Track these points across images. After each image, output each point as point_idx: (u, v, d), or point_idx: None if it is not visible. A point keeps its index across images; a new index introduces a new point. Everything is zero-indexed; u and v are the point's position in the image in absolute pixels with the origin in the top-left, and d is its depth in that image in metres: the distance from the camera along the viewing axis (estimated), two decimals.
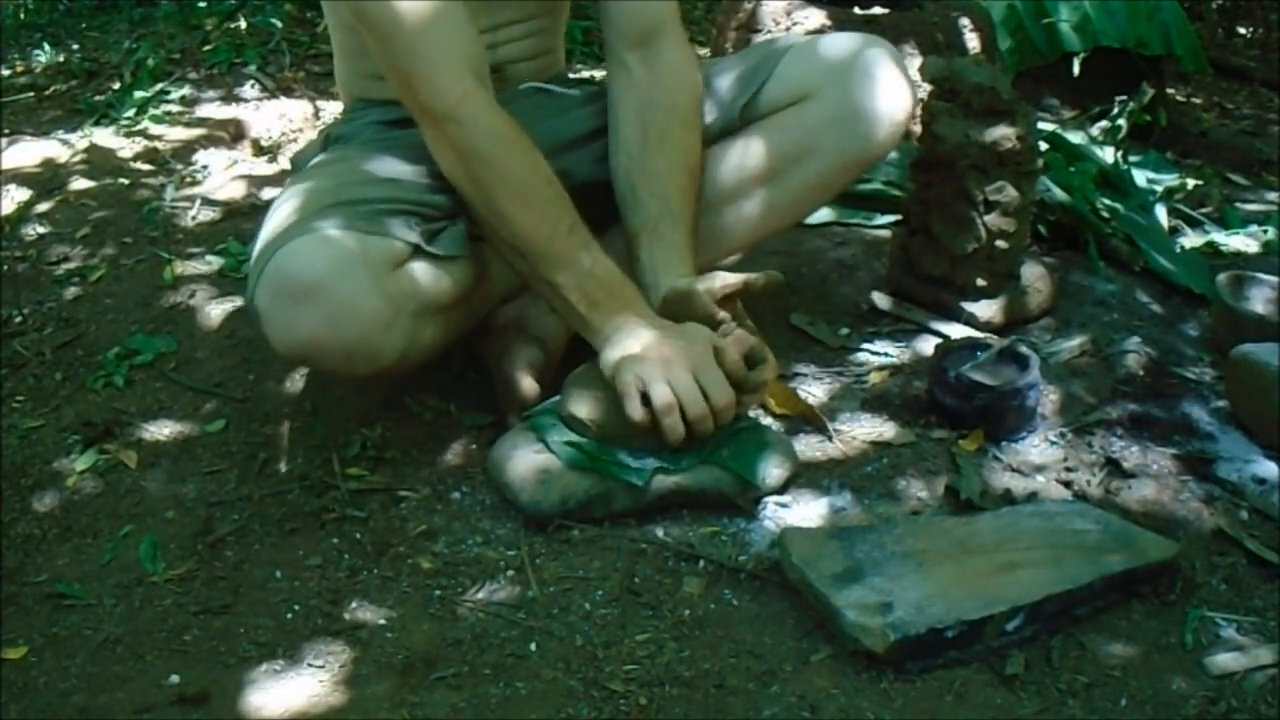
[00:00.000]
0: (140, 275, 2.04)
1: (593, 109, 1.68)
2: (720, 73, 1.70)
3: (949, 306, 1.84)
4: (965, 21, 2.54)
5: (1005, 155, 1.74)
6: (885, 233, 2.09)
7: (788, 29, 2.43)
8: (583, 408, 1.45)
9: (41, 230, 2.22)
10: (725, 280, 1.53)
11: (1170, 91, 3.34)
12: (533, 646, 1.27)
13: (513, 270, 1.53)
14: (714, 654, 1.25)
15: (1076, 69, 2.84)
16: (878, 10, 2.54)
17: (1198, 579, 1.34)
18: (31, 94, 2.99)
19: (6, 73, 3.24)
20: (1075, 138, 2.41)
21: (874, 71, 1.60)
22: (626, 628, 1.29)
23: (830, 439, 1.59)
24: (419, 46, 1.43)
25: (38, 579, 1.41)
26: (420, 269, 1.46)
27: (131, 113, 2.78)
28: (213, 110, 2.81)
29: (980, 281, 1.82)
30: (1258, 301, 1.80)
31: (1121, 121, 2.49)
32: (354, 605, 1.34)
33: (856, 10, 2.53)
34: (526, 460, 1.44)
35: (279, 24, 3.26)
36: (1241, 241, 2.23)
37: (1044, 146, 2.18)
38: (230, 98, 2.88)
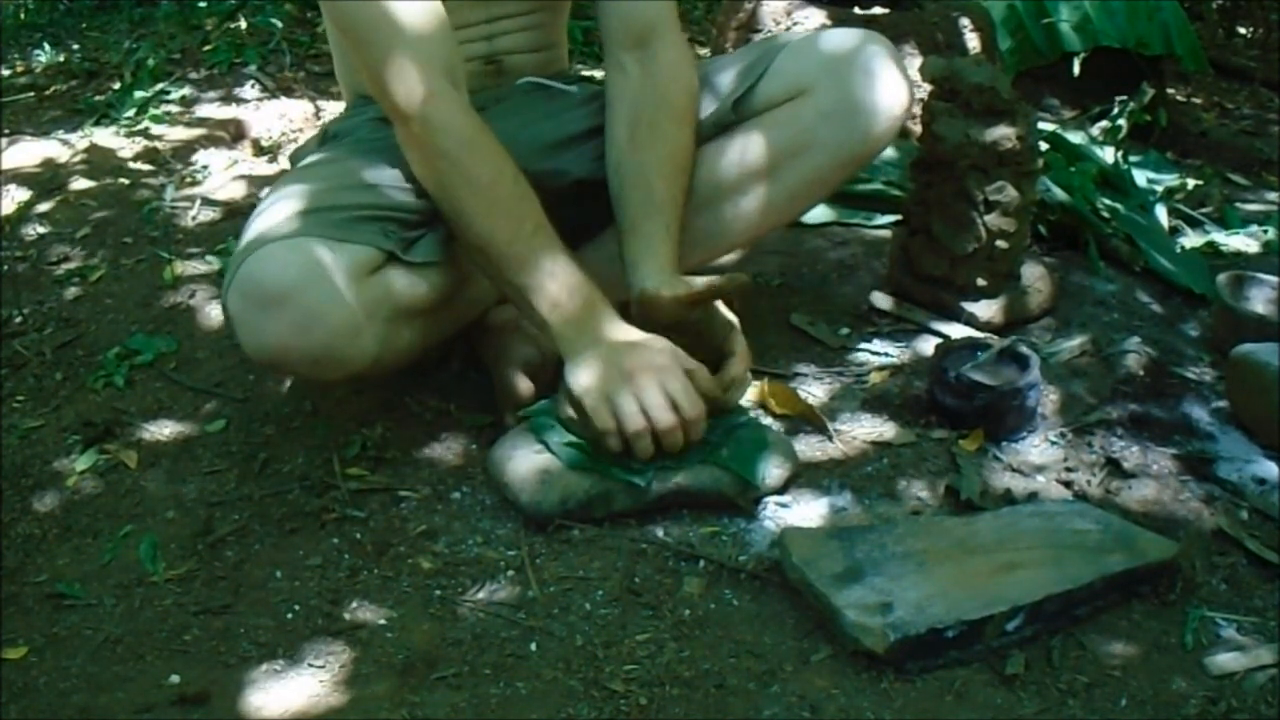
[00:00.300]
0: (140, 275, 2.04)
1: (592, 107, 1.68)
2: (717, 69, 1.69)
3: (949, 306, 1.84)
4: (965, 21, 2.54)
5: (1005, 155, 1.74)
6: (885, 233, 2.09)
7: (788, 29, 2.44)
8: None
9: (41, 230, 2.22)
10: (692, 286, 1.53)
11: (1170, 91, 3.34)
12: (533, 646, 1.27)
13: (480, 272, 1.53)
14: (714, 654, 1.25)
15: (1077, 69, 2.84)
16: (878, 10, 2.54)
17: (1198, 579, 1.34)
18: (31, 94, 2.99)
19: (6, 73, 3.24)
20: (1075, 138, 2.41)
21: (870, 66, 1.59)
22: (626, 628, 1.29)
23: (830, 439, 1.59)
24: (392, 46, 1.43)
25: (38, 579, 1.41)
26: (395, 275, 1.46)
27: (132, 113, 2.78)
28: (213, 110, 2.81)
29: (980, 281, 1.82)
30: (1258, 301, 1.80)
31: (1122, 121, 2.49)
32: (354, 605, 1.34)
33: (857, 10, 2.53)
34: (527, 460, 1.45)
35: (279, 24, 3.26)
36: (1241, 241, 2.23)
37: (1044, 146, 2.18)
38: (230, 98, 2.87)
